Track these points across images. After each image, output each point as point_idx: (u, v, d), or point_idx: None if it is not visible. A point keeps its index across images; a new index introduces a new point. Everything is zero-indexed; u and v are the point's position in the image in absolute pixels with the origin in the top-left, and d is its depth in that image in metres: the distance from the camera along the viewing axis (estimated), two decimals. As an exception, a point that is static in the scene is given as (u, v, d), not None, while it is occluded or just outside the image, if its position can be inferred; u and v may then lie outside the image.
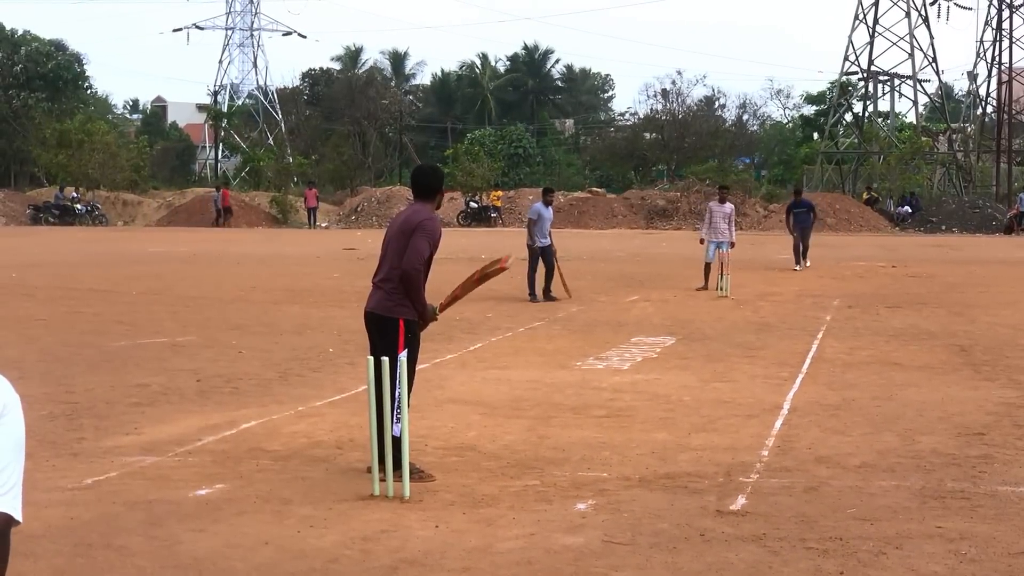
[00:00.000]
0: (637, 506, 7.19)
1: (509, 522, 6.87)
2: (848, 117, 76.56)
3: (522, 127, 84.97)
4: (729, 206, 23.43)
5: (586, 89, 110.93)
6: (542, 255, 20.87)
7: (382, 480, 7.45)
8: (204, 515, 7.01)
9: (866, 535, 6.57)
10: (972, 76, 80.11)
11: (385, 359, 7.49)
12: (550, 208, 21.61)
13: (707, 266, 22.94)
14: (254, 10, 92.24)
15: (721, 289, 21.68)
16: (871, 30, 69.93)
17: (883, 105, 75.08)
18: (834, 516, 6.96)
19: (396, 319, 7.93)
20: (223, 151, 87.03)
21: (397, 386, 7.56)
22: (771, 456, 8.59)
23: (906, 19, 69.33)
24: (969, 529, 6.72)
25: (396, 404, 7.55)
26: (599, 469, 8.19)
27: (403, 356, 7.72)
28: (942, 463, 8.36)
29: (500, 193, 62.15)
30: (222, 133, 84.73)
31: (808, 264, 28.56)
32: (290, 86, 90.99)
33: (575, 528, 6.74)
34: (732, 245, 22.81)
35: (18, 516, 2.84)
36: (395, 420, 7.54)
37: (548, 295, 20.61)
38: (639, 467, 8.23)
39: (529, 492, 7.54)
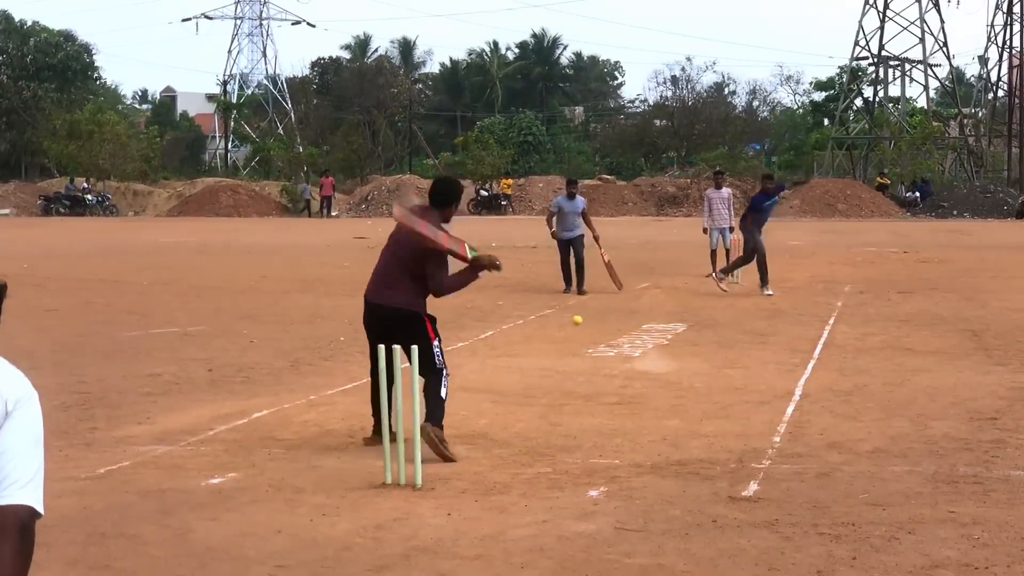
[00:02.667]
0: (649, 493, 7.19)
1: (521, 509, 6.87)
2: (858, 103, 76.36)
3: (531, 115, 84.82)
4: (727, 191, 23.14)
5: (595, 76, 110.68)
6: (572, 248, 20.12)
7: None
8: (217, 504, 7.03)
9: (878, 520, 6.56)
10: (983, 60, 79.88)
11: (406, 349, 7.59)
12: (576, 199, 20.51)
13: (713, 253, 22.87)
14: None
15: (732, 276, 21.63)
16: (881, 15, 69.75)
17: (894, 90, 74.94)
18: (846, 502, 6.96)
19: (420, 313, 8.27)
20: (233, 141, 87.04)
21: (442, 368, 8.16)
22: (783, 442, 8.58)
23: (916, 3, 69.15)
24: (982, 514, 6.71)
25: (443, 377, 8.15)
26: (611, 456, 8.19)
27: (437, 343, 8.23)
28: (954, 448, 8.35)
29: (510, 181, 62.20)
30: (232, 123, 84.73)
31: (737, 281, 20.69)
32: (299, 75, 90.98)
33: (587, 515, 6.74)
34: (732, 229, 22.58)
35: (40, 508, 2.84)
36: (443, 384, 8.12)
37: (580, 289, 19.88)
38: (651, 454, 8.23)
39: (541, 479, 7.54)
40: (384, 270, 8.41)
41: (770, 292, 19.30)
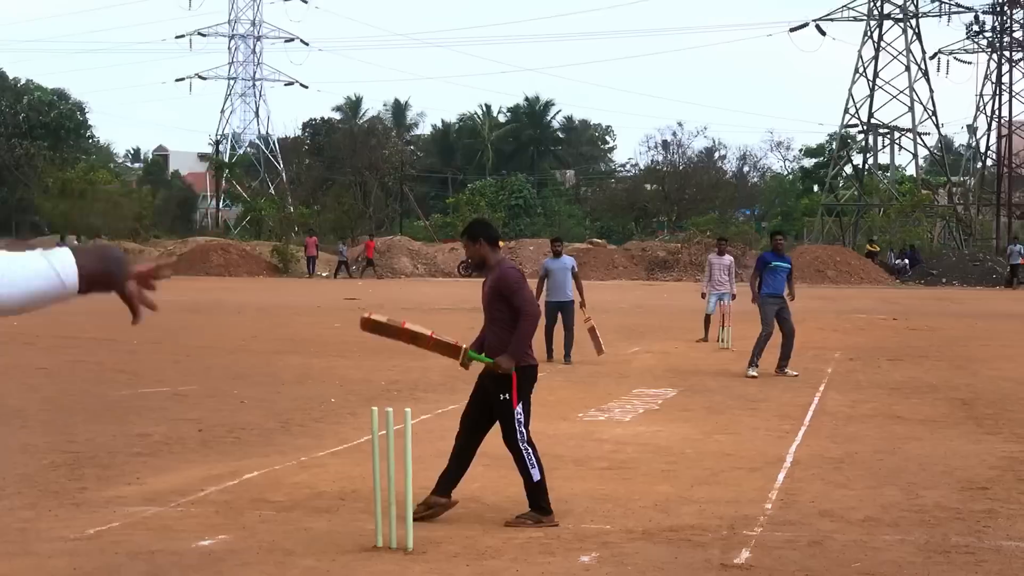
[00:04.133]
0: (640, 559, 7.17)
1: (513, 574, 6.85)
2: (848, 169, 76.88)
3: (523, 178, 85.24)
4: (728, 258, 23.28)
5: (587, 140, 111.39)
6: (561, 315, 19.04)
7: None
8: (206, 566, 6.99)
9: (871, 590, 6.55)
10: (972, 129, 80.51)
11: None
12: (563, 258, 19.42)
13: (707, 318, 22.94)
14: (256, 60, 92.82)
15: (722, 341, 21.68)
16: (871, 83, 70.38)
17: (883, 158, 75.52)
18: (838, 570, 6.94)
19: None
20: (224, 200, 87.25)
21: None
22: (774, 509, 8.57)
23: (906, 72, 69.81)
24: (974, 584, 6.70)
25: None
26: (602, 521, 8.17)
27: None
28: (946, 517, 8.34)
29: (501, 244, 62.22)
30: (224, 182, 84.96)
31: (796, 374, 17.25)
32: (291, 136, 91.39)
33: (579, 581, 6.72)
34: (733, 297, 22.76)
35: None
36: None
37: (567, 358, 18.84)
38: (642, 519, 8.21)
39: (533, 544, 7.52)
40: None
41: (794, 373, 17.26)
